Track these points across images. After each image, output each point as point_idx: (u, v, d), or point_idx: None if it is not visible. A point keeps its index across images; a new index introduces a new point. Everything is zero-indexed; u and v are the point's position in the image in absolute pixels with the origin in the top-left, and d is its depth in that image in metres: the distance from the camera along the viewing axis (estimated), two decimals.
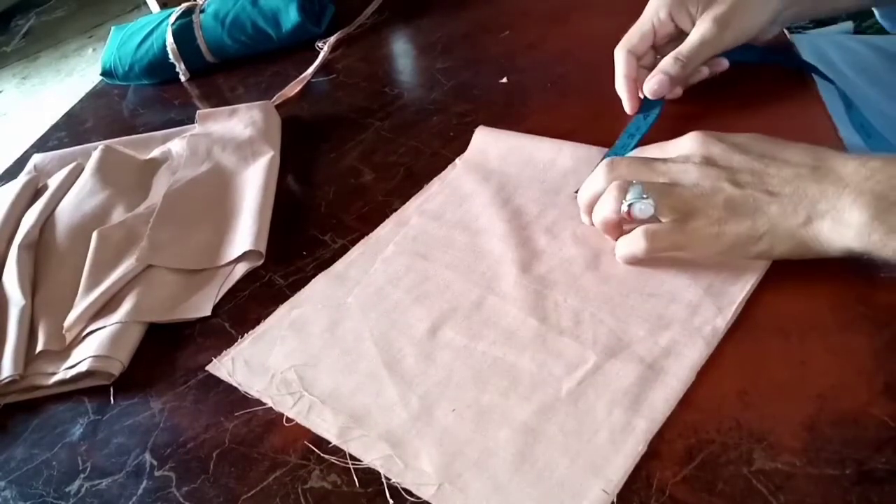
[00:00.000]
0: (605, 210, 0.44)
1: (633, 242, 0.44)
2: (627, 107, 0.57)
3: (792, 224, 0.40)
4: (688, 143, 0.44)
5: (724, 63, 0.58)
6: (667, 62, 0.55)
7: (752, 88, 0.58)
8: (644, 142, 0.52)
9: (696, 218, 0.42)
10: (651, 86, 0.55)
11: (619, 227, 0.45)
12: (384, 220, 0.56)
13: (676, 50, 0.55)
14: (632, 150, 0.52)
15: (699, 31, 0.54)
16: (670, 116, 0.57)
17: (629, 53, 0.58)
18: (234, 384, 0.47)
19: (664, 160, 0.44)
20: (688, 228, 0.42)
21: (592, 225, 0.47)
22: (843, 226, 0.38)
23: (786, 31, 0.64)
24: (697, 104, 0.58)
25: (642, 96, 0.57)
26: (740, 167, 0.42)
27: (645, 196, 0.42)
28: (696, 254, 0.43)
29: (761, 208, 0.40)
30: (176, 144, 0.72)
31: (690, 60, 0.54)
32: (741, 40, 0.55)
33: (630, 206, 0.42)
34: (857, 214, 0.37)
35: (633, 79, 0.57)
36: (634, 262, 0.45)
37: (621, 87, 0.58)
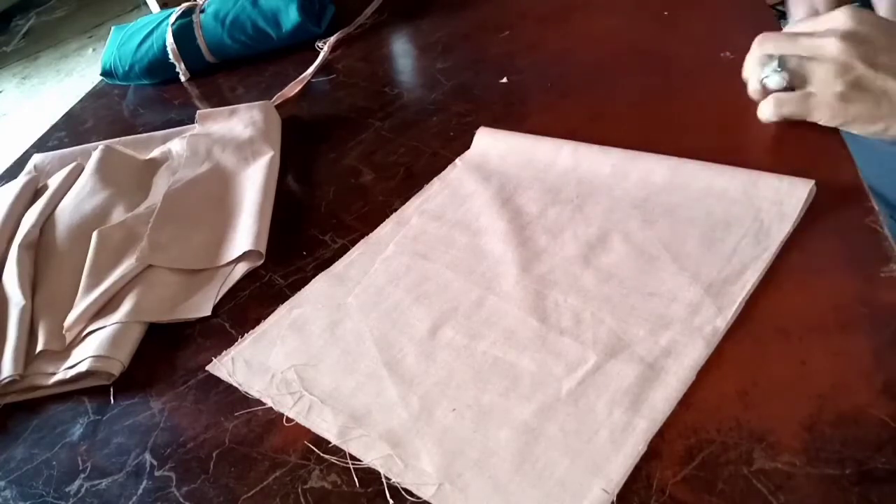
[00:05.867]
0: (751, 83, 0.49)
1: (765, 107, 0.47)
2: None
3: None
4: (840, 16, 0.44)
5: None
6: None
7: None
8: None
9: (824, 91, 0.43)
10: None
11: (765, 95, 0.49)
12: (384, 220, 0.56)
13: None
14: None
15: None
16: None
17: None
18: (234, 384, 0.47)
19: (811, 34, 0.45)
20: (813, 100, 0.44)
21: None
22: None
23: None
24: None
25: None
26: (881, 46, 0.42)
27: (779, 69, 0.46)
28: (818, 121, 0.45)
29: (889, 92, 0.41)
30: (176, 144, 0.72)
31: None
32: None
33: (765, 77, 0.47)
34: None
35: None
36: (769, 122, 0.48)
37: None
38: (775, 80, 0.47)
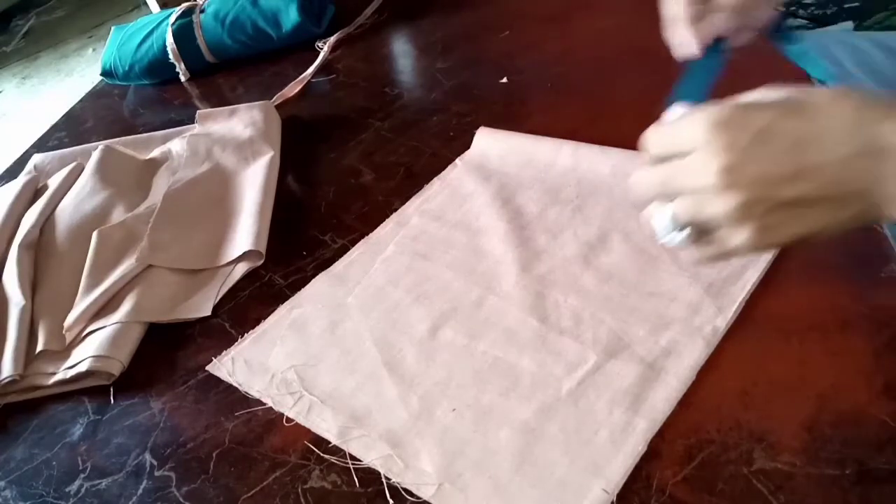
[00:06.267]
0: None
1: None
2: (683, 51, 0.49)
3: (843, 218, 0.35)
4: (703, 144, 0.36)
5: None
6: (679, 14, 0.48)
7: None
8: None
9: (735, 235, 0.36)
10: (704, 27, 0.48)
11: None
12: (384, 220, 0.56)
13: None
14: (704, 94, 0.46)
15: None
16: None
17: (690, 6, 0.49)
18: (234, 384, 0.47)
19: (684, 172, 0.37)
20: (729, 245, 0.36)
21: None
22: None
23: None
24: None
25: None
26: (770, 176, 0.35)
27: (677, 229, 0.37)
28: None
29: (804, 217, 0.35)
30: (176, 144, 0.72)
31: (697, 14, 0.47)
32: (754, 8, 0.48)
33: (666, 239, 0.38)
34: None
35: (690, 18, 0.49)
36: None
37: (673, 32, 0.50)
38: (677, 239, 0.37)
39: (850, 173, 0.34)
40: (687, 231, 0.37)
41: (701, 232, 0.37)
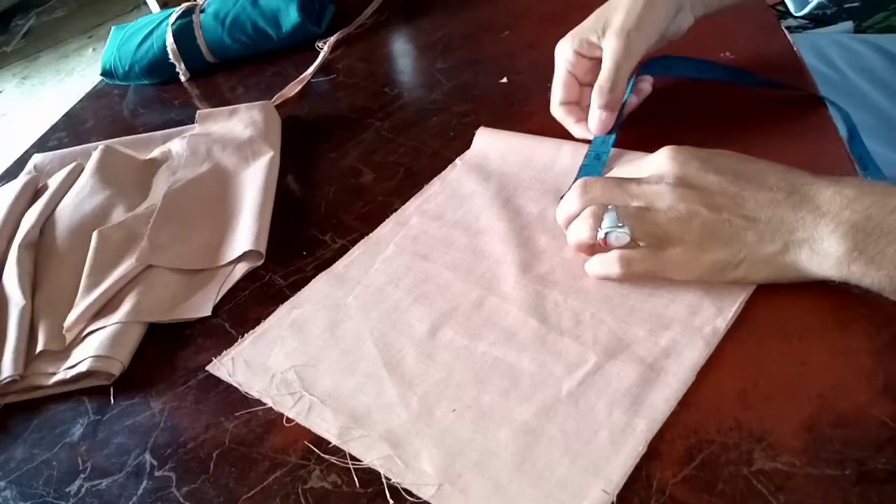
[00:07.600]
0: (580, 235, 0.44)
1: (608, 265, 0.43)
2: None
3: (769, 251, 0.39)
4: (661, 161, 0.43)
5: (649, 81, 0.58)
6: (594, 97, 0.53)
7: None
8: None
9: (673, 244, 0.41)
10: (595, 126, 0.53)
11: (594, 247, 0.45)
12: (384, 220, 0.56)
13: (597, 81, 0.53)
14: (602, 167, 0.52)
15: (608, 52, 0.53)
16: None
17: (564, 106, 0.57)
18: (235, 384, 0.47)
19: (638, 181, 0.43)
20: (664, 255, 0.42)
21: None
22: (821, 256, 0.38)
23: (787, 33, 0.64)
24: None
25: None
26: (716, 189, 0.41)
27: (620, 224, 0.42)
28: (671, 277, 0.43)
29: (738, 234, 0.40)
30: (176, 144, 0.72)
31: (614, 84, 0.52)
32: (653, 41, 0.54)
33: (606, 234, 0.42)
34: (835, 245, 0.37)
35: (585, 121, 0.56)
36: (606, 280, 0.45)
37: (580, 132, 0.56)
38: (617, 235, 0.42)
39: (778, 208, 0.40)
40: (626, 229, 0.42)
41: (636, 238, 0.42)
